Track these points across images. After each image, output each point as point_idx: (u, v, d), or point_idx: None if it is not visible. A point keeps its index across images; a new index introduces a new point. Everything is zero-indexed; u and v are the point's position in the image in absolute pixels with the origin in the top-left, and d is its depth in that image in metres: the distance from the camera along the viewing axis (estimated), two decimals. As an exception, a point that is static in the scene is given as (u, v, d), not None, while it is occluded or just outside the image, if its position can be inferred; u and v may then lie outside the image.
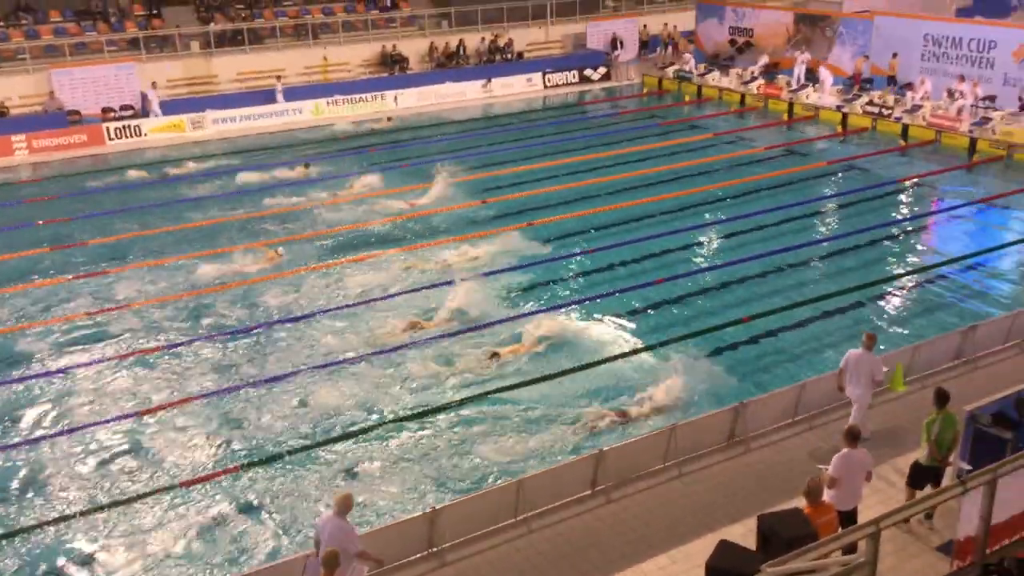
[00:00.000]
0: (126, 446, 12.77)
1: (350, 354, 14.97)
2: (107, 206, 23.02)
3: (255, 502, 11.53)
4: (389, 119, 31.71)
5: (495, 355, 14.70)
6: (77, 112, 29.51)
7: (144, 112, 30.07)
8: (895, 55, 29.76)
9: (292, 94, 32.16)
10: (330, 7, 36.06)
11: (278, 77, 32.44)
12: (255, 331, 15.97)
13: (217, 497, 11.63)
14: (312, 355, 15.04)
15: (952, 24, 30.88)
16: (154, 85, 30.53)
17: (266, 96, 31.81)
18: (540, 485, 10.69)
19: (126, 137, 29.19)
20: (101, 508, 11.48)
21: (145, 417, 13.39)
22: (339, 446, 12.68)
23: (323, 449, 12.59)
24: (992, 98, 27.49)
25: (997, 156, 25.15)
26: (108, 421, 13.31)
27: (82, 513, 11.37)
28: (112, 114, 29.90)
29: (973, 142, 25.79)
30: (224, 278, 18.15)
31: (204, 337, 15.81)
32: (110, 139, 29.02)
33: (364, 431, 12.96)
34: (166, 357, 15.17)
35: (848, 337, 15.10)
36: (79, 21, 31.84)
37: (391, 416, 13.32)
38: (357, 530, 9.12)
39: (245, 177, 25.13)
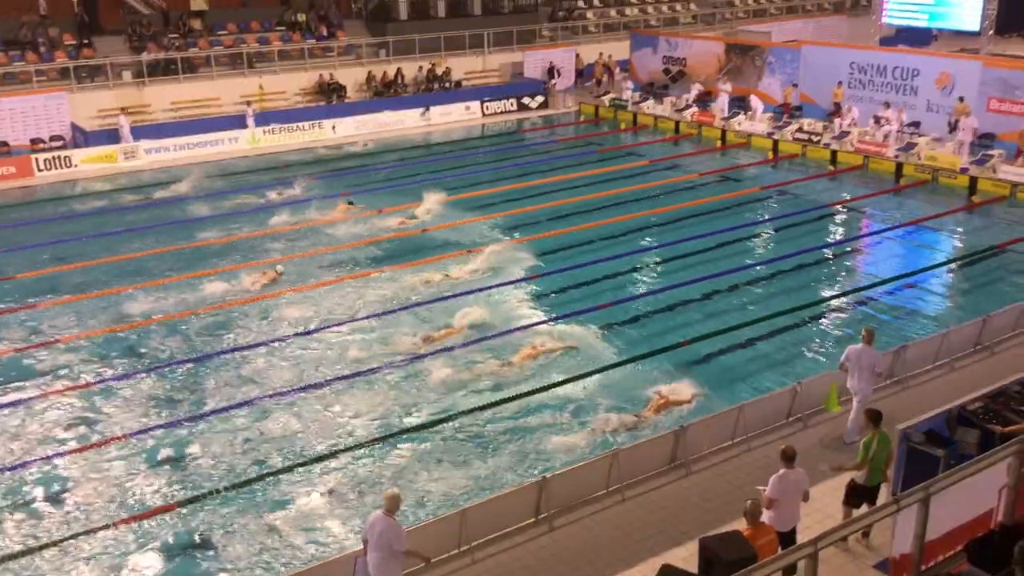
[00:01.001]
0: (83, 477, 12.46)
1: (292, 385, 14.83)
2: (36, 239, 22.44)
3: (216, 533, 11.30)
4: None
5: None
6: (5, 143, 28.82)
7: (116, 139, 29.82)
8: (840, 84, 30.60)
9: (228, 123, 31.84)
10: (266, 36, 35.85)
11: (248, 102, 32.38)
12: (188, 363, 15.69)
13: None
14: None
15: (877, 53, 31.95)
16: (124, 111, 30.29)
17: (208, 124, 31.54)
18: (482, 514, 10.64)
19: (56, 168, 28.51)
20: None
21: (87, 452, 13.04)
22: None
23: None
24: (917, 124, 28.44)
25: (923, 180, 25.97)
26: (54, 456, 12.94)
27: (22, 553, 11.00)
28: (42, 145, 29.23)
29: (899, 167, 26.61)
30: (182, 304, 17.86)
31: (143, 371, 15.49)
32: (39, 170, 28.30)
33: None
34: (105, 392, 14.81)
35: (788, 358, 15.44)
36: (7, 51, 31.15)
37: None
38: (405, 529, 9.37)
39: (182, 207, 24.70)
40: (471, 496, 11.74)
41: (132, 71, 32.24)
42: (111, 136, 30.02)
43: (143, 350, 16.30)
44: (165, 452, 13.17)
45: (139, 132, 30.35)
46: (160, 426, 13.79)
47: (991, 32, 33.73)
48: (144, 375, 15.36)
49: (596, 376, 14.94)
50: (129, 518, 11.60)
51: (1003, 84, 26.86)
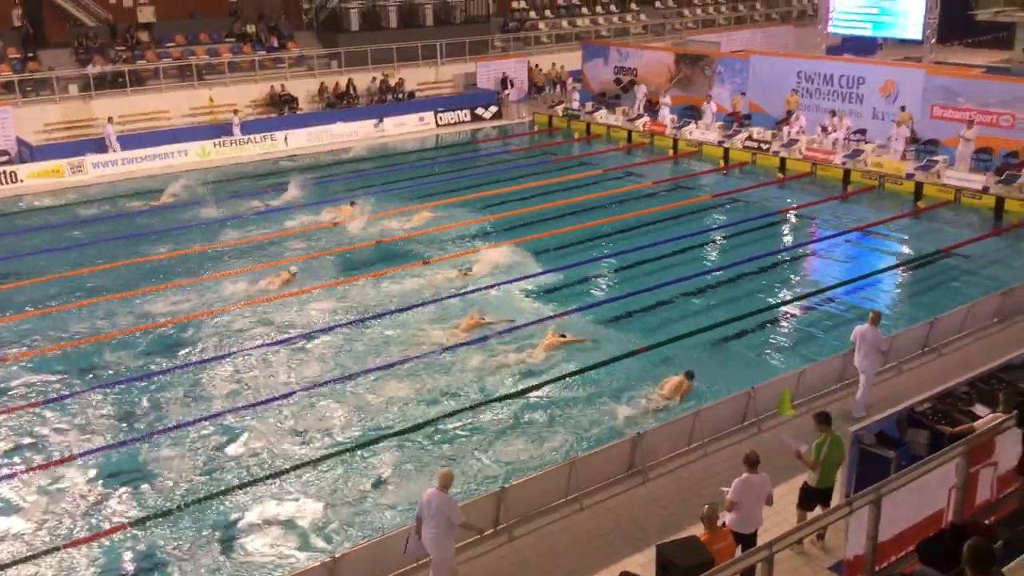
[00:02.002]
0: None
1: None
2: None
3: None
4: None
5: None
6: (-52, 158, 28.24)
7: (104, 148, 29.85)
8: (794, 91, 31.09)
9: (177, 136, 31.45)
10: (215, 48, 35.49)
11: (235, 111, 32.31)
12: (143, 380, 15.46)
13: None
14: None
15: (823, 62, 32.55)
16: (111, 120, 30.10)
17: (158, 137, 31.21)
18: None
19: (1, 183, 27.93)
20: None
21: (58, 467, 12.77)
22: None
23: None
24: (863, 131, 29.00)
25: (870, 186, 26.48)
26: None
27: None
28: (-15, 159, 28.68)
29: (847, 173, 27.11)
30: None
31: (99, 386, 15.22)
32: (-17, 185, 27.78)
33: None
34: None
35: (744, 364, 15.56)
36: (-52, 64, 30.55)
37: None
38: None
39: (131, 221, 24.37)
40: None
41: (78, 84, 31.73)
42: (58, 150, 29.50)
43: (100, 365, 16.04)
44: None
45: (85, 146, 29.87)
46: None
47: (933, 41, 34.53)
48: (104, 389, 15.11)
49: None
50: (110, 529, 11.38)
51: (945, 92, 27.52)
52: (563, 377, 15.23)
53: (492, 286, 19.34)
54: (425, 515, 9.62)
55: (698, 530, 9.34)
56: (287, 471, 12.74)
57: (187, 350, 16.68)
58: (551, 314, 17.77)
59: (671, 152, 31.57)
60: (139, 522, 11.71)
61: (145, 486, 12.55)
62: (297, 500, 12.16)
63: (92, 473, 12.86)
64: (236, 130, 31.95)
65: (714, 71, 34.19)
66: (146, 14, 35.48)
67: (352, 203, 24.78)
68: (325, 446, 13.42)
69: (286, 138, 32.85)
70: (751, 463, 9.77)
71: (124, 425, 14.18)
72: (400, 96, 37.22)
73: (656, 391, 14.49)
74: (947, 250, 21.16)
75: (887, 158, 27.04)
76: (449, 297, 18.82)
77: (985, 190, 24.27)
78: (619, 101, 36.37)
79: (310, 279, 19.86)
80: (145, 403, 14.80)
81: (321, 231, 23.38)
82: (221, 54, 35.18)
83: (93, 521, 11.83)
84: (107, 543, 11.38)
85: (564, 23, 45.28)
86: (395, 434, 13.62)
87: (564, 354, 16.05)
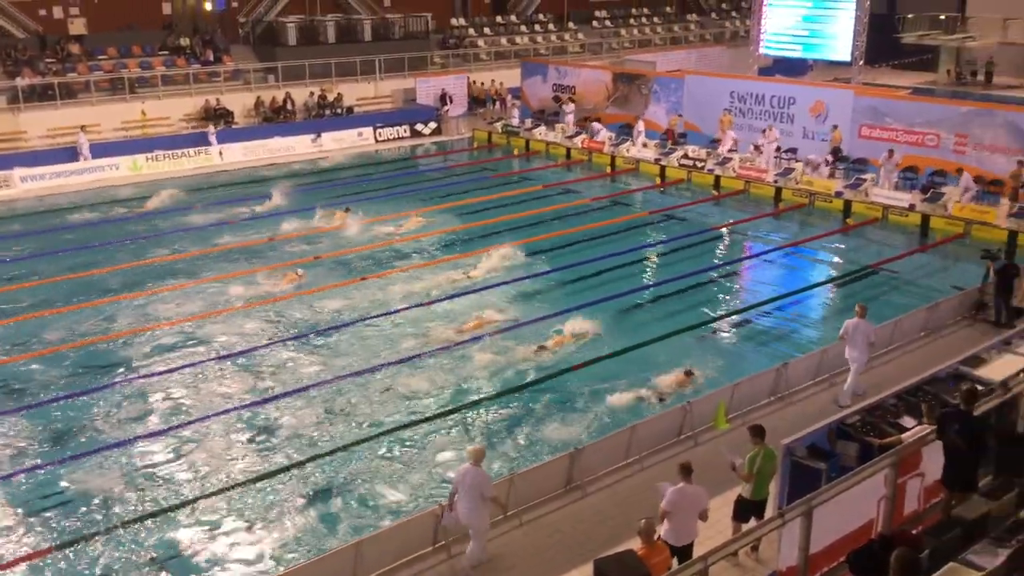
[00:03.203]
0: None
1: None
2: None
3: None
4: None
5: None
6: None
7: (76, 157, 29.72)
8: (726, 111, 31.68)
9: (107, 149, 30.77)
10: (148, 61, 34.90)
11: (214, 124, 32.61)
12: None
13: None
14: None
15: (755, 82, 33.26)
16: (84, 129, 29.83)
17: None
18: (379, 544, 10.49)
19: (-78, 197, 27.09)
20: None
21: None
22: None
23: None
24: (794, 150, 29.68)
25: (800, 203, 27.08)
26: None
27: None
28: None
29: (778, 191, 27.70)
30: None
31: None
32: (-97, 200, 26.83)
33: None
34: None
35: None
36: None
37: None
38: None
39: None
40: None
41: (6, 96, 30.91)
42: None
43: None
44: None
45: (12, 160, 29.06)
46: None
47: (862, 62, 35.50)
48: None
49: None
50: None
51: (873, 112, 28.34)
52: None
53: (430, 302, 19.30)
54: (460, 489, 10.32)
55: (636, 544, 9.39)
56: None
57: (122, 368, 16.38)
58: (490, 332, 17.77)
59: (609, 169, 31.92)
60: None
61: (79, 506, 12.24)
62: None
63: (23, 491, 12.48)
64: (212, 139, 32.30)
65: (650, 90, 34.70)
66: (77, 26, 34.78)
67: (347, 209, 25.29)
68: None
69: (221, 152, 32.40)
70: (686, 472, 9.83)
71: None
72: (338, 111, 37.00)
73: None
74: (876, 266, 21.72)
75: (817, 176, 27.70)
76: (392, 312, 18.72)
77: (911, 208, 25.00)
78: (558, 118, 36.64)
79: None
80: (81, 422, 14.43)
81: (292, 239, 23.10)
82: (154, 67, 34.60)
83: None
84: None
85: (503, 40, 45.56)
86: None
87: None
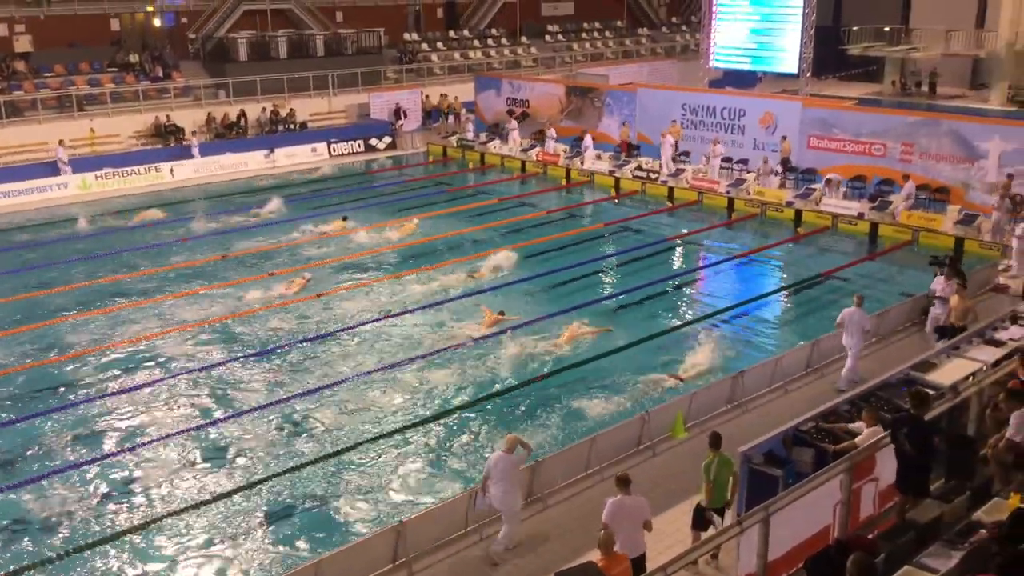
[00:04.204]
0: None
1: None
2: None
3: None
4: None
5: None
6: None
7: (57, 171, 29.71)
8: (674, 122, 32.05)
9: (55, 168, 30.23)
10: (97, 78, 34.42)
11: (194, 132, 33.01)
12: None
13: None
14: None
15: (706, 95, 33.71)
16: (61, 143, 29.63)
17: (34, 171, 29.94)
18: (337, 564, 10.37)
19: None
20: None
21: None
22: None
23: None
24: (745, 161, 30.10)
25: (752, 214, 27.43)
26: None
27: None
28: None
29: (731, 202, 28.04)
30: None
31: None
32: None
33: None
34: None
35: (636, 388, 15.77)
36: None
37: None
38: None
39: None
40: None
41: (-51, 115, 30.34)
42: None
43: None
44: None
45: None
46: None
47: (809, 74, 36.16)
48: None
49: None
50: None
51: (821, 123, 28.84)
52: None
53: (387, 316, 19.21)
54: (493, 475, 10.92)
55: (596, 556, 9.40)
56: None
57: (82, 391, 16.03)
58: (455, 344, 17.74)
59: (564, 182, 32.08)
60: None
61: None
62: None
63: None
64: (195, 151, 32.52)
65: (603, 103, 34.98)
66: (23, 43, 34.27)
67: (344, 218, 25.99)
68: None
69: (172, 169, 32.00)
70: (623, 483, 9.88)
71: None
72: (291, 127, 36.77)
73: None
74: (827, 274, 22.05)
75: (768, 187, 28.10)
76: (357, 326, 18.62)
77: (860, 216, 25.45)
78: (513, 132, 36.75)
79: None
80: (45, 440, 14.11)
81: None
82: (103, 84, 34.12)
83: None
84: None
85: (456, 55, 45.67)
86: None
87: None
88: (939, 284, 16.72)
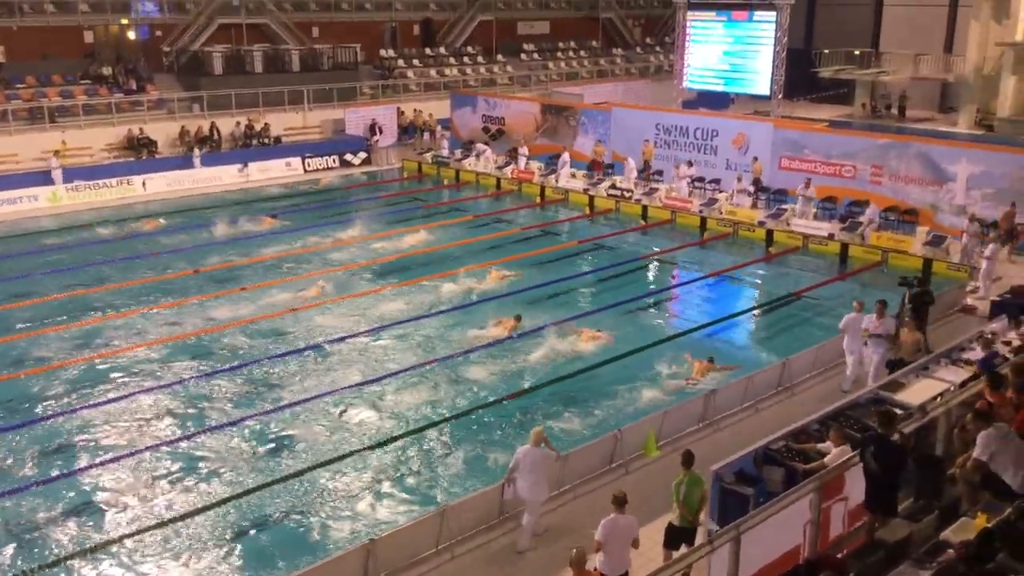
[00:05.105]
0: None
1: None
2: None
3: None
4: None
5: None
6: None
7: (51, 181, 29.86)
8: (646, 141, 32.35)
9: (25, 180, 29.93)
10: (69, 89, 34.15)
11: (195, 144, 32.94)
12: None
13: None
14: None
15: (679, 115, 34.05)
16: (56, 154, 29.76)
17: (5, 182, 29.55)
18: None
19: None
20: None
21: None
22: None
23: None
24: (717, 181, 30.38)
25: (724, 233, 27.66)
26: None
27: None
28: None
29: (703, 221, 28.26)
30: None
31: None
32: None
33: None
34: None
35: (608, 407, 15.80)
36: None
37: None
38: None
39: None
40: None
41: (-81, 125, 29.96)
42: None
43: None
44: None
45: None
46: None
47: (781, 96, 36.63)
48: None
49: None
50: None
51: (792, 144, 29.22)
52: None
53: (366, 332, 19.15)
54: (521, 468, 11.48)
55: (568, 574, 9.40)
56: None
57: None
58: (426, 360, 17.70)
59: (538, 199, 32.19)
60: None
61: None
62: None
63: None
64: (197, 161, 32.83)
65: (578, 122, 35.20)
66: (-7, 55, 33.96)
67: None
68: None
69: (144, 183, 31.75)
70: (619, 503, 9.93)
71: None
72: (266, 141, 36.64)
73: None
74: (798, 293, 22.25)
75: (740, 207, 28.37)
76: (334, 340, 18.54)
77: (831, 237, 25.74)
78: (486, 150, 36.85)
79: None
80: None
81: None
82: (75, 96, 33.85)
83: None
84: None
85: (432, 72, 45.79)
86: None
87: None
88: (871, 322, 15.90)
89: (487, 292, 21.96)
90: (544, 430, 12.12)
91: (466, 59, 48.33)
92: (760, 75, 36.52)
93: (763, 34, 36.06)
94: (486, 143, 36.62)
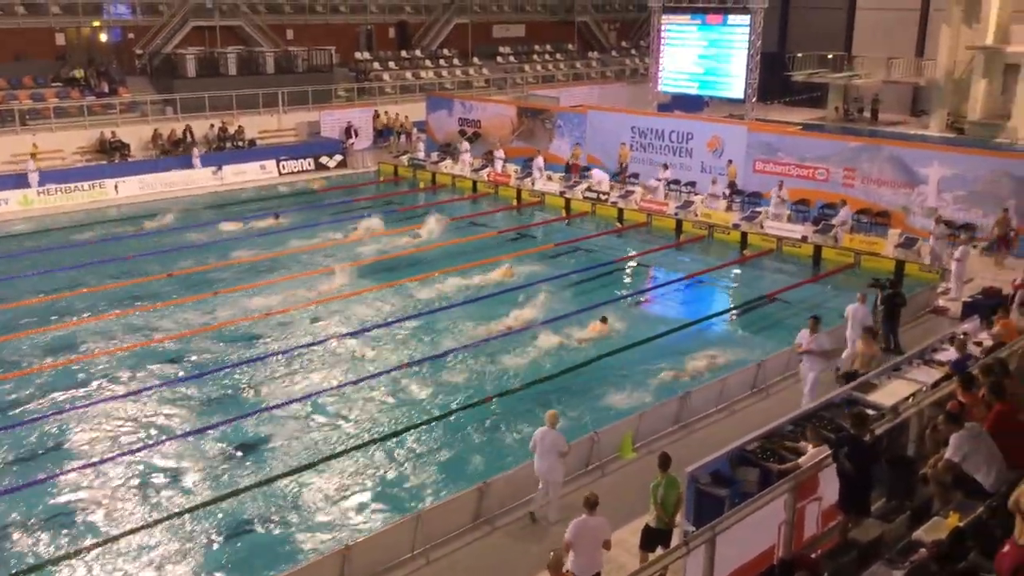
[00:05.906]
0: None
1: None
2: None
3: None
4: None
5: None
6: None
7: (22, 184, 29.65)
8: (623, 144, 32.47)
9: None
10: (40, 92, 33.78)
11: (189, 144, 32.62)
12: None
13: None
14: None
15: (655, 118, 34.21)
16: (33, 157, 29.83)
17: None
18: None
19: None
20: None
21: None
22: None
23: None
24: (692, 184, 30.53)
25: (700, 235, 27.79)
26: None
27: None
28: None
29: (679, 223, 28.38)
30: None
31: None
32: None
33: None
34: None
35: (584, 409, 15.82)
36: None
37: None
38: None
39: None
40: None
41: None
42: None
43: None
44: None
45: None
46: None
47: (755, 99, 36.86)
48: None
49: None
50: None
51: (766, 147, 29.43)
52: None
53: (341, 336, 19.07)
54: (539, 448, 11.90)
55: (545, 577, 9.41)
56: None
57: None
58: (400, 364, 17.66)
59: (515, 202, 32.19)
60: None
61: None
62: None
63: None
64: (197, 162, 32.92)
65: (554, 124, 35.27)
66: (-37, 57, 33.52)
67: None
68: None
69: (116, 186, 31.46)
70: (590, 505, 9.95)
71: None
72: (240, 144, 36.41)
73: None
74: (772, 295, 22.39)
75: (715, 209, 28.53)
76: (308, 344, 18.42)
77: (804, 239, 25.93)
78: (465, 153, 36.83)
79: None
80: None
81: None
82: (47, 99, 33.49)
83: None
84: None
85: (408, 74, 45.70)
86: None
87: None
88: (804, 337, 15.54)
89: (471, 294, 21.91)
90: (556, 413, 12.38)
91: (442, 62, 48.29)
92: (734, 78, 36.75)
93: (737, 38, 36.29)
94: (470, 140, 36.62)
